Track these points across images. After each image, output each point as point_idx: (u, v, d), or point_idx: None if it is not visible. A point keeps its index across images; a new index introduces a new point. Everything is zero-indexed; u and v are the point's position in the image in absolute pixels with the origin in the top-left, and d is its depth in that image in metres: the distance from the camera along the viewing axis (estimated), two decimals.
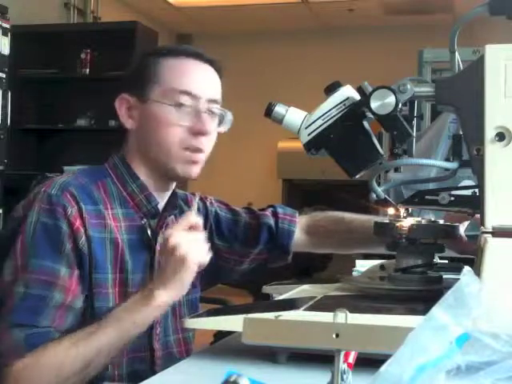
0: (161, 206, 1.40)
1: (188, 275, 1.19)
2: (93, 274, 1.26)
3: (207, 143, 1.36)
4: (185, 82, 1.34)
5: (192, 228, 1.22)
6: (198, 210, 1.54)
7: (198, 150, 1.34)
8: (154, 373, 1.17)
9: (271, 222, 1.59)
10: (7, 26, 4.11)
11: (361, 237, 1.61)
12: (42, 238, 1.23)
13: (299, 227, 1.63)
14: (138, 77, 1.36)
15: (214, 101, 1.37)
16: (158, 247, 1.36)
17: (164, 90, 1.33)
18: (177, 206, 1.45)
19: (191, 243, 1.19)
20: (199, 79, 1.36)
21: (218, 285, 1.74)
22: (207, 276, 1.48)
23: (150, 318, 1.20)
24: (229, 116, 1.40)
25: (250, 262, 1.59)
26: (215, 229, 1.55)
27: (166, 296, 1.19)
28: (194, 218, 1.23)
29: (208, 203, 1.57)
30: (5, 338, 1.17)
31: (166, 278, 1.19)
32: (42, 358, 1.16)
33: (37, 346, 1.16)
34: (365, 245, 1.69)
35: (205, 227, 1.54)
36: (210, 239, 1.54)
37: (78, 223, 1.25)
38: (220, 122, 1.39)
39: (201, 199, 1.58)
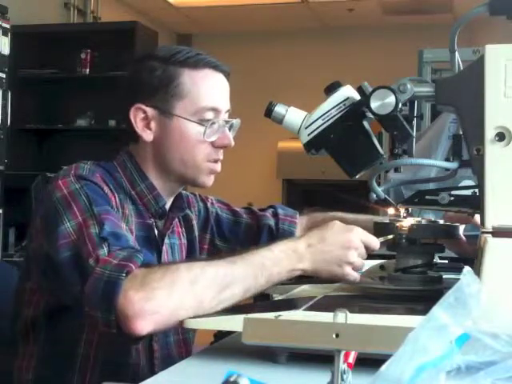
0: (167, 206, 1.40)
1: (332, 270, 1.22)
2: None
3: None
4: (211, 99, 1.34)
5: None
6: (199, 211, 1.55)
7: (218, 161, 1.38)
8: (153, 374, 1.17)
9: (271, 222, 1.59)
10: (7, 26, 4.11)
11: None
12: (92, 192, 1.22)
13: (300, 228, 1.63)
14: (156, 87, 1.33)
15: (228, 111, 1.39)
16: (164, 248, 1.37)
17: (190, 106, 1.32)
18: (183, 208, 1.46)
19: (359, 260, 1.24)
20: (221, 93, 1.38)
21: None
22: None
23: (282, 277, 1.19)
24: (239, 123, 1.42)
25: None
26: (216, 229, 1.56)
27: (303, 266, 1.20)
28: (377, 245, 1.28)
29: (209, 204, 1.58)
30: (110, 258, 1.11)
31: (318, 255, 1.21)
32: (172, 267, 1.12)
33: (151, 260, 1.16)
34: None
35: (206, 228, 1.54)
36: (211, 240, 1.54)
37: (114, 200, 1.27)
38: (229, 129, 1.40)
39: (201, 200, 1.58)
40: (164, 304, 1.06)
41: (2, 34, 4.08)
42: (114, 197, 1.28)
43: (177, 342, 1.39)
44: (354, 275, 1.24)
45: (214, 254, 1.52)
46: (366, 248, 1.25)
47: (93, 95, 5.19)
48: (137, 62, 1.40)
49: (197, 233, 1.52)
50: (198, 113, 1.33)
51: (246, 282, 1.15)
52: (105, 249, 1.12)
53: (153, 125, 1.34)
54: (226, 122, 1.38)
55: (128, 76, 1.41)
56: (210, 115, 1.34)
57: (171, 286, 1.08)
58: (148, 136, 1.34)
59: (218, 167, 1.38)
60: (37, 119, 5.29)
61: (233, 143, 1.38)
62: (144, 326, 1.05)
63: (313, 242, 1.21)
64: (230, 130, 1.39)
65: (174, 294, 1.08)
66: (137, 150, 1.38)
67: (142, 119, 1.34)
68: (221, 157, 1.38)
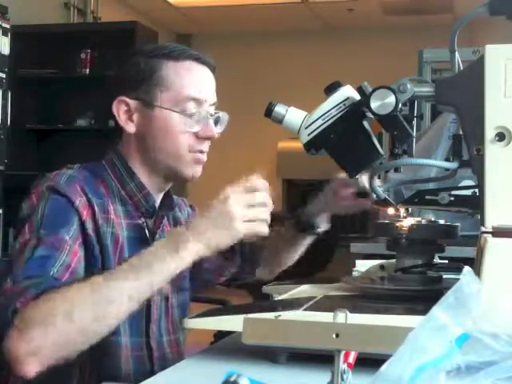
0: (156, 204, 1.40)
1: (228, 233, 1.13)
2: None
3: (209, 145, 1.38)
4: (193, 88, 1.34)
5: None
6: (188, 216, 1.55)
7: (203, 152, 1.36)
8: (153, 373, 1.17)
9: None
10: (7, 26, 4.11)
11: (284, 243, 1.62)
12: (51, 210, 1.22)
13: None
14: (140, 79, 1.34)
15: (214, 103, 1.38)
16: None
17: (172, 96, 1.32)
18: (173, 207, 1.46)
19: (246, 205, 1.14)
20: (205, 85, 1.37)
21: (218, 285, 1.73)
22: (193, 281, 1.50)
23: (172, 268, 1.10)
24: (226, 117, 1.41)
25: (225, 275, 1.60)
26: None
27: (192, 246, 1.11)
28: (261, 183, 1.17)
29: (196, 212, 1.57)
30: (13, 289, 1.10)
31: (202, 228, 1.13)
32: (53, 295, 1.07)
33: (47, 290, 1.09)
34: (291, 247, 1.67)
35: None
36: None
37: (85, 213, 1.25)
38: (216, 123, 1.39)
39: (190, 206, 1.59)
40: (42, 345, 1.03)
41: (2, 34, 4.08)
42: (90, 207, 1.26)
43: (169, 342, 1.39)
44: (255, 228, 1.15)
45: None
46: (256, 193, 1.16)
47: (93, 95, 5.18)
48: (122, 59, 1.41)
49: None
50: (180, 103, 1.32)
51: (132, 291, 1.08)
52: (17, 278, 1.11)
53: (135, 117, 1.34)
54: (212, 114, 1.37)
55: (113, 73, 1.42)
56: (192, 106, 1.33)
57: (45, 322, 1.03)
58: (130, 128, 1.35)
59: (202, 157, 1.36)
60: (37, 119, 5.29)
61: (216, 135, 1.37)
62: (31, 368, 1.02)
63: (192, 222, 1.16)
64: (217, 123, 1.38)
65: (49, 332, 1.03)
66: (123, 145, 1.38)
67: (124, 112, 1.34)
68: (205, 148, 1.36)
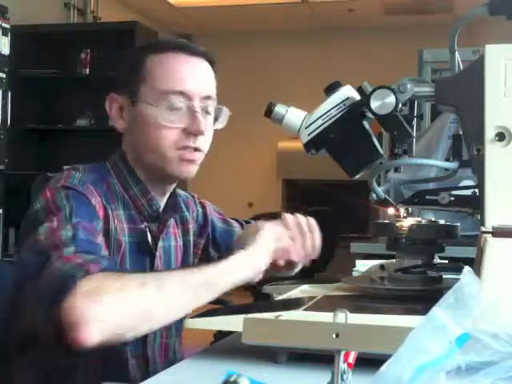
0: (160, 208, 1.36)
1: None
2: None
3: (203, 142, 1.31)
4: (176, 81, 1.28)
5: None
6: (197, 216, 1.52)
7: (194, 150, 1.30)
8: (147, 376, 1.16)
9: None
10: (7, 25, 4.11)
11: None
12: (79, 203, 1.18)
13: None
14: (127, 75, 1.32)
15: (208, 97, 1.31)
16: (157, 253, 1.33)
17: (155, 90, 1.27)
18: (177, 209, 1.42)
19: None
20: (191, 76, 1.29)
21: None
22: None
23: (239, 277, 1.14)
24: (225, 112, 1.35)
25: None
26: (211, 237, 1.53)
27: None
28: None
29: (207, 210, 1.54)
30: (74, 258, 1.05)
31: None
32: (127, 275, 1.06)
33: (113, 268, 1.08)
34: None
35: (202, 234, 1.51)
36: (205, 247, 1.51)
37: (100, 214, 1.23)
38: (216, 119, 1.34)
39: (200, 205, 1.54)
40: (111, 311, 0.98)
41: (2, 34, 4.08)
42: (105, 209, 1.25)
43: (159, 346, 1.37)
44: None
45: (204, 260, 1.47)
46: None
47: (93, 95, 5.17)
48: (122, 57, 1.40)
49: (191, 237, 1.47)
50: (162, 96, 1.27)
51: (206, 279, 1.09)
52: (72, 248, 1.08)
53: (125, 113, 1.32)
54: (204, 109, 1.30)
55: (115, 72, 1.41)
56: (177, 99, 1.27)
57: (118, 290, 1.00)
58: (120, 125, 1.32)
59: (190, 155, 1.29)
60: (37, 119, 5.29)
61: (203, 130, 1.29)
62: (91, 334, 0.96)
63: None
64: (217, 118, 1.33)
65: (120, 300, 1.00)
66: (123, 145, 1.35)
67: (116, 109, 1.33)
68: (193, 144, 1.28)
